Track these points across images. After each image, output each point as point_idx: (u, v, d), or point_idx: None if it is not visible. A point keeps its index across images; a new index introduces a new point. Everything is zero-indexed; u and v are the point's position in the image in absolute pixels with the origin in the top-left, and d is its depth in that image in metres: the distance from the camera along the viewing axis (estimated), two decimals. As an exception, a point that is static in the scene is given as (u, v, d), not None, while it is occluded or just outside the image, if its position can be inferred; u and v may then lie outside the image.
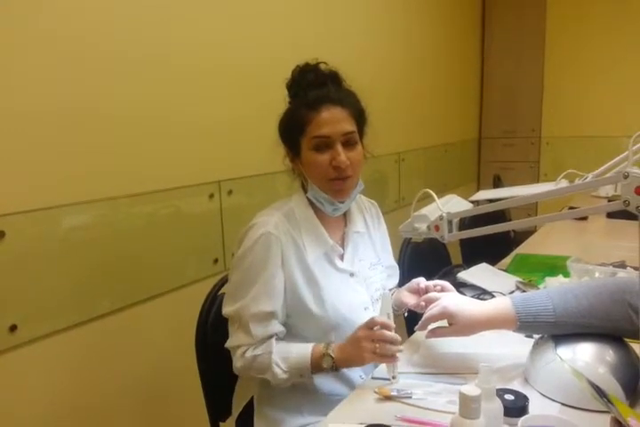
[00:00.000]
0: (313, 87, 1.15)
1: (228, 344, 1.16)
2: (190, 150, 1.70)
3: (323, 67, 1.17)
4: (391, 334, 1.03)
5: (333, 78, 1.18)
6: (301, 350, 1.11)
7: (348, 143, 1.15)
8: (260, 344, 1.12)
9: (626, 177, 0.66)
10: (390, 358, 1.04)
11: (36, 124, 1.28)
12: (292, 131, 1.16)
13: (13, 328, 1.24)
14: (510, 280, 1.66)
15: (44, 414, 1.34)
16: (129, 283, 1.52)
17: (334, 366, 1.08)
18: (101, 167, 1.43)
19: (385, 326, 1.03)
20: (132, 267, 1.53)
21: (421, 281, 1.25)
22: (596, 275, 1.55)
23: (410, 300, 1.26)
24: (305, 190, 1.22)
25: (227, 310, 1.16)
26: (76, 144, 1.37)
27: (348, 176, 1.15)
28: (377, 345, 1.02)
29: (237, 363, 1.13)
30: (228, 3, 1.79)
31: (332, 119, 1.12)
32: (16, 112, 1.24)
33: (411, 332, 1.30)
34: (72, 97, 1.35)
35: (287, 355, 1.11)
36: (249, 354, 1.12)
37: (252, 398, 1.28)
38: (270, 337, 1.14)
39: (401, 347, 1.04)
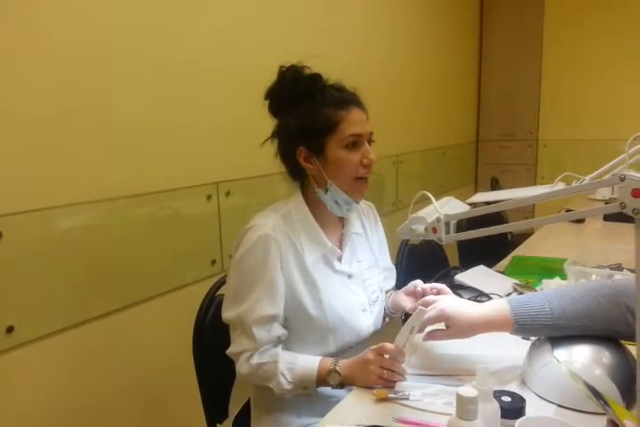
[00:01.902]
0: (333, 90, 1.17)
1: (231, 350, 1.14)
2: (188, 152, 1.70)
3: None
4: (400, 366, 1.05)
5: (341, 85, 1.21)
6: (308, 363, 1.11)
7: (369, 144, 1.19)
8: (265, 351, 1.12)
9: (622, 179, 0.67)
10: (394, 383, 1.05)
11: (34, 125, 1.28)
12: (319, 128, 1.15)
13: (10, 329, 1.24)
14: (507, 282, 1.66)
15: (41, 415, 1.34)
16: (126, 284, 1.52)
17: (341, 383, 1.09)
18: (99, 168, 1.43)
19: (396, 355, 1.05)
20: (130, 268, 1.53)
21: (418, 284, 1.25)
22: (593, 277, 1.55)
23: (407, 303, 1.26)
24: (304, 192, 1.23)
25: (227, 315, 1.15)
26: (74, 145, 1.37)
27: (369, 175, 1.18)
28: (385, 372, 1.04)
29: (242, 369, 1.12)
30: (228, 4, 1.80)
31: (361, 120, 1.16)
32: (14, 113, 1.23)
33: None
34: (70, 98, 1.35)
35: (293, 366, 1.11)
36: (254, 361, 1.11)
37: (249, 399, 1.28)
38: (274, 341, 1.14)
39: (407, 378, 1.06)
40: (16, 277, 1.25)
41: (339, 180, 1.17)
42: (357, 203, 1.22)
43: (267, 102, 1.19)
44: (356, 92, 1.21)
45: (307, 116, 1.15)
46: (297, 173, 1.23)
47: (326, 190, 1.18)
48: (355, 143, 1.15)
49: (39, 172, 1.29)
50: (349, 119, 1.14)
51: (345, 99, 1.16)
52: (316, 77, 1.17)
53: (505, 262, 1.98)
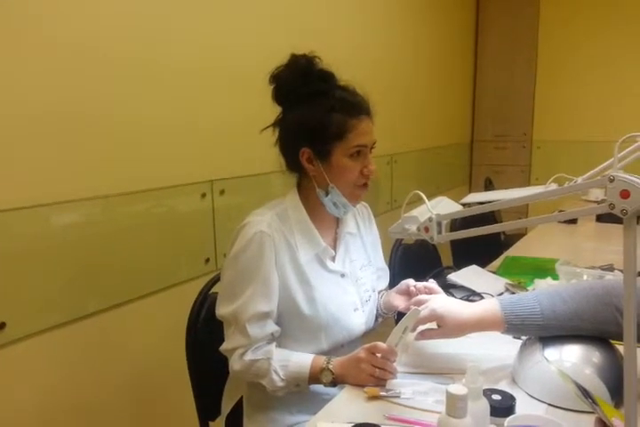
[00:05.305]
0: (346, 92, 1.17)
1: (225, 347, 1.15)
2: (183, 150, 1.70)
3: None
4: (392, 365, 1.06)
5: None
6: (301, 361, 1.12)
7: (370, 151, 1.20)
8: (259, 348, 1.12)
9: (611, 180, 0.68)
10: (385, 381, 1.06)
11: (28, 122, 1.28)
12: (328, 133, 1.14)
13: (2, 326, 1.24)
14: (499, 282, 1.67)
15: (32, 412, 1.34)
16: (119, 282, 1.52)
17: (333, 382, 1.09)
18: (93, 165, 1.43)
19: (388, 355, 1.05)
20: (123, 266, 1.53)
21: (410, 283, 1.26)
22: (584, 278, 1.57)
23: (399, 302, 1.27)
24: (300, 189, 1.23)
25: (222, 311, 1.15)
26: (68, 142, 1.36)
27: (368, 182, 1.20)
28: (377, 370, 1.05)
29: (235, 365, 1.13)
30: (225, 5, 1.80)
31: (368, 130, 1.17)
32: (9, 111, 1.23)
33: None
34: (66, 97, 1.35)
35: (286, 363, 1.11)
36: (248, 357, 1.11)
37: (242, 397, 1.28)
38: (267, 338, 1.14)
39: (398, 376, 1.07)
40: (8, 274, 1.25)
41: (341, 185, 1.18)
42: (354, 206, 1.24)
43: (271, 87, 1.17)
44: (367, 98, 1.19)
45: (316, 118, 1.14)
46: (295, 166, 1.22)
47: (327, 192, 1.18)
48: (358, 153, 1.16)
49: (32, 169, 1.29)
50: (358, 129, 1.14)
51: (357, 105, 1.16)
52: (329, 75, 1.17)
53: (497, 262, 1.99)
